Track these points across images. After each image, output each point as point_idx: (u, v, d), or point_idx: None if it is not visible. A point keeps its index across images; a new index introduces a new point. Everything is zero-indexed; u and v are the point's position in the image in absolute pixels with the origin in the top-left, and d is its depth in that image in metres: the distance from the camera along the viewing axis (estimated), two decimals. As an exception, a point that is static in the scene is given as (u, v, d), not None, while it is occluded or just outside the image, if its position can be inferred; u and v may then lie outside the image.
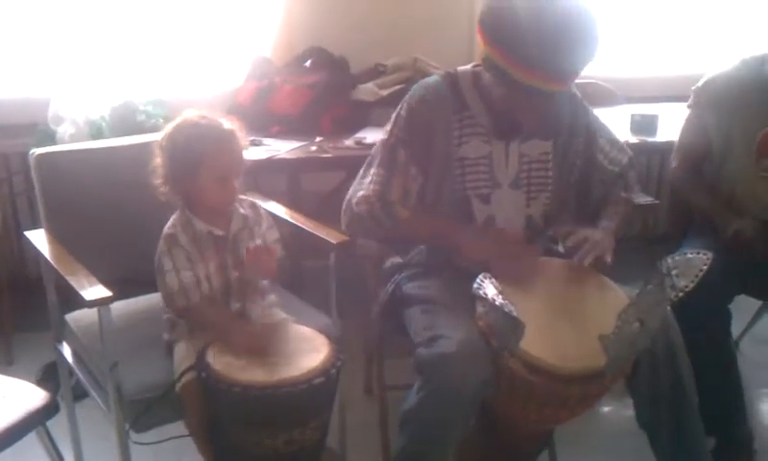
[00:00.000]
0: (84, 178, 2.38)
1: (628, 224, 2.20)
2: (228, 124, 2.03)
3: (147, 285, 2.15)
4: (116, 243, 2.34)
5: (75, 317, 2.28)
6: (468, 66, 2.17)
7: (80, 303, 1.90)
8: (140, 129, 3.04)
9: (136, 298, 2.37)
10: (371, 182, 2.17)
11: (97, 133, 3.07)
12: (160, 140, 2.04)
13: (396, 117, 2.17)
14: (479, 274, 1.86)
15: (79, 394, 2.47)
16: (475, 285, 1.83)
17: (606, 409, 2.80)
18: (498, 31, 1.91)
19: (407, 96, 2.17)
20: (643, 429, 2.06)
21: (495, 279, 1.86)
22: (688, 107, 2.63)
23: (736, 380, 2.42)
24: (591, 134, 2.23)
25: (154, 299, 2.28)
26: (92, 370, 2.15)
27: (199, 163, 1.96)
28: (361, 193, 2.17)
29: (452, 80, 2.15)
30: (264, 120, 3.20)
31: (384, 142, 2.18)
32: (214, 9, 3.63)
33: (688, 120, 2.65)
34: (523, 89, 1.90)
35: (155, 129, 3.07)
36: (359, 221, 2.18)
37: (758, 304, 3.06)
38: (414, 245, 2.25)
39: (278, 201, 2.56)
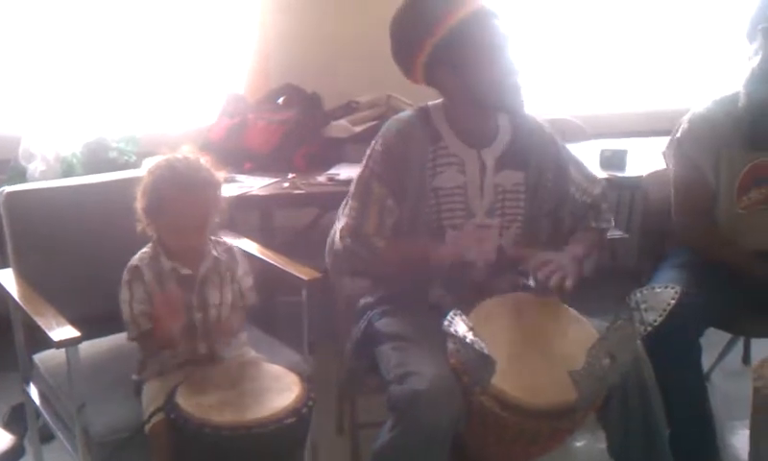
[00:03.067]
0: (55, 216, 2.37)
1: (598, 253, 2.21)
2: (205, 175, 2.00)
3: (118, 323, 2.12)
4: (87, 281, 2.32)
5: (43, 357, 2.26)
6: (439, 101, 2.22)
7: (48, 343, 1.88)
8: (112, 166, 3.03)
9: (106, 337, 2.34)
10: (345, 217, 2.19)
11: (68, 169, 3.06)
12: (144, 176, 2.04)
13: (372, 151, 2.19)
14: (450, 310, 1.87)
15: (46, 436, 2.43)
16: (446, 322, 1.83)
17: (578, 443, 2.80)
18: (407, 45, 2.11)
19: (382, 130, 2.21)
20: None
21: (467, 315, 1.87)
22: (671, 156, 2.62)
23: (707, 413, 2.43)
24: (562, 167, 2.27)
25: (123, 338, 2.24)
26: (60, 411, 2.12)
27: (160, 207, 1.97)
28: (339, 228, 2.20)
29: (425, 113, 2.20)
30: (237, 157, 3.20)
31: (359, 177, 2.20)
32: (187, 46, 3.64)
33: (682, 170, 2.58)
34: (454, 35, 2.03)
35: (127, 166, 3.08)
36: (341, 258, 2.20)
37: (728, 337, 3.08)
38: (393, 276, 2.25)
39: (251, 237, 2.56)
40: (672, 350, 2.21)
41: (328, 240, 2.41)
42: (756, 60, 2.43)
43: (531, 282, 2.19)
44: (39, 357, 2.26)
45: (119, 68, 3.55)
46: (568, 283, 2.01)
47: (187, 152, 2.04)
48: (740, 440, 2.73)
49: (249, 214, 3.16)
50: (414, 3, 2.11)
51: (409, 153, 2.13)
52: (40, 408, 2.23)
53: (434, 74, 2.12)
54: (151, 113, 3.61)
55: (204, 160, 2.04)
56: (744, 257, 2.49)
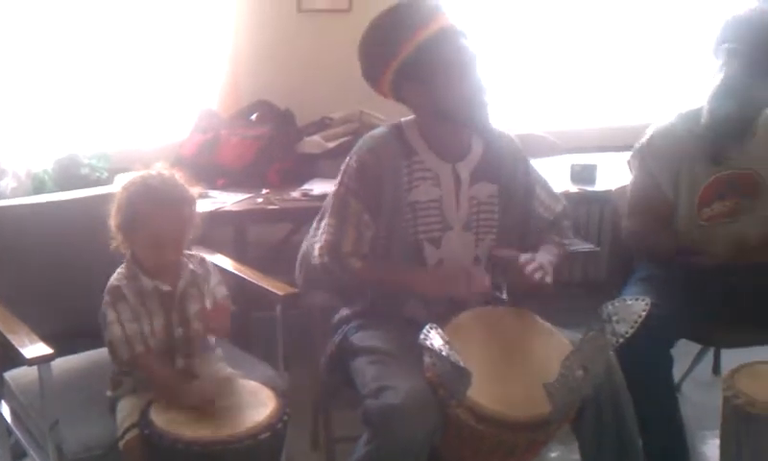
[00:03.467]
0: (26, 233, 2.36)
1: (560, 268, 2.24)
2: (180, 191, 2.00)
3: (92, 339, 2.13)
4: (59, 298, 2.31)
5: (14, 375, 2.23)
6: (412, 117, 2.25)
7: (20, 360, 1.87)
8: (84, 182, 3.02)
9: (79, 354, 2.32)
10: (323, 233, 2.20)
11: (40, 186, 3.03)
12: (117, 193, 2.03)
13: (346, 168, 2.21)
14: (426, 324, 1.88)
15: (18, 454, 2.40)
16: (422, 336, 1.85)
17: (552, 454, 2.82)
18: (375, 60, 2.16)
19: (356, 148, 2.23)
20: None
21: (443, 329, 1.88)
22: (633, 167, 2.66)
23: (679, 423, 2.47)
24: (530, 182, 2.31)
25: (97, 355, 2.25)
26: (32, 429, 2.10)
27: (136, 223, 1.96)
28: (317, 245, 2.20)
29: (398, 130, 2.23)
30: (209, 173, 3.19)
31: (335, 193, 2.22)
32: (159, 61, 3.63)
33: (639, 181, 2.63)
34: (422, 51, 2.07)
35: (99, 182, 3.06)
36: (316, 274, 2.22)
37: (698, 348, 3.12)
38: (367, 294, 2.26)
39: (224, 252, 2.55)
40: (644, 361, 2.23)
41: (299, 255, 2.42)
42: (720, 78, 2.49)
43: (504, 296, 2.23)
44: (10, 375, 2.24)
45: (90, 84, 3.53)
46: (548, 279, 2.05)
47: (161, 168, 2.04)
48: (711, 449, 2.77)
49: (222, 230, 3.15)
50: (381, 21, 2.15)
51: (383, 169, 2.15)
52: (12, 426, 2.21)
53: (401, 90, 2.16)
54: (122, 130, 3.59)
55: (179, 176, 2.03)
56: (705, 265, 2.51)
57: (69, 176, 3.11)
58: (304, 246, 2.40)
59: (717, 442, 2.31)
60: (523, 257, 2.11)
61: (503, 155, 2.26)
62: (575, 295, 3.56)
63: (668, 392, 2.47)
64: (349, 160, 2.21)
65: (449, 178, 2.19)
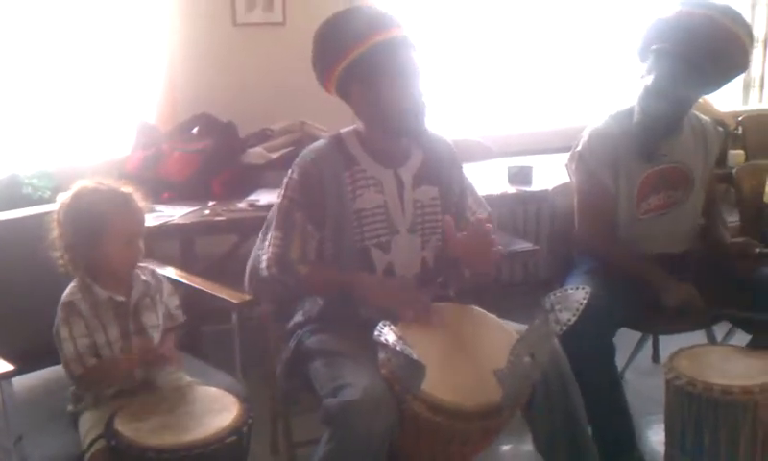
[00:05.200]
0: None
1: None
2: (124, 188, 2.08)
3: (46, 357, 2.12)
4: (11, 317, 2.30)
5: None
6: (351, 127, 2.32)
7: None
8: (27, 202, 3.00)
9: (37, 372, 2.30)
10: (269, 245, 2.25)
11: (-19, 207, 3.00)
12: (57, 212, 2.05)
13: (289, 181, 2.26)
14: (379, 322, 1.94)
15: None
16: (376, 333, 1.91)
17: (505, 447, 2.90)
18: (334, 47, 2.20)
19: (297, 160, 2.28)
20: (542, 457, 2.18)
21: (396, 325, 1.95)
22: (573, 169, 2.76)
23: (624, 408, 2.56)
24: (463, 191, 2.42)
25: (54, 372, 2.23)
26: (-7, 449, 2.09)
27: (103, 227, 1.99)
28: (264, 257, 2.24)
29: (338, 140, 2.29)
30: (154, 187, 3.18)
31: (279, 205, 2.27)
32: (96, 77, 3.62)
33: (584, 183, 2.72)
34: (380, 52, 2.14)
35: (42, 201, 3.04)
36: (266, 286, 2.26)
37: (638, 338, 3.24)
38: (317, 298, 2.31)
39: (172, 266, 2.57)
40: (587, 349, 2.33)
41: (248, 267, 2.46)
42: (650, 79, 2.60)
43: (451, 292, 2.31)
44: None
45: (29, 102, 3.51)
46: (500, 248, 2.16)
47: (93, 180, 2.08)
48: (656, 433, 2.85)
49: (168, 244, 3.17)
50: (340, 18, 2.22)
51: (325, 179, 2.21)
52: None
53: (346, 87, 2.22)
54: (63, 147, 3.58)
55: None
56: (641, 264, 2.64)
57: (11, 196, 3.09)
58: (252, 259, 2.44)
59: (661, 425, 2.43)
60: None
61: (442, 158, 2.35)
62: (517, 293, 3.67)
63: (612, 379, 2.56)
64: (291, 173, 2.27)
65: (392, 183, 2.27)
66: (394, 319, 2.01)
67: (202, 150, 3.35)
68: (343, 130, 2.33)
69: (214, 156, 3.35)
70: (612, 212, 2.70)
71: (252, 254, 2.47)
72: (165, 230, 2.91)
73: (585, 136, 2.74)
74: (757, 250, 2.67)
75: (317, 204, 2.21)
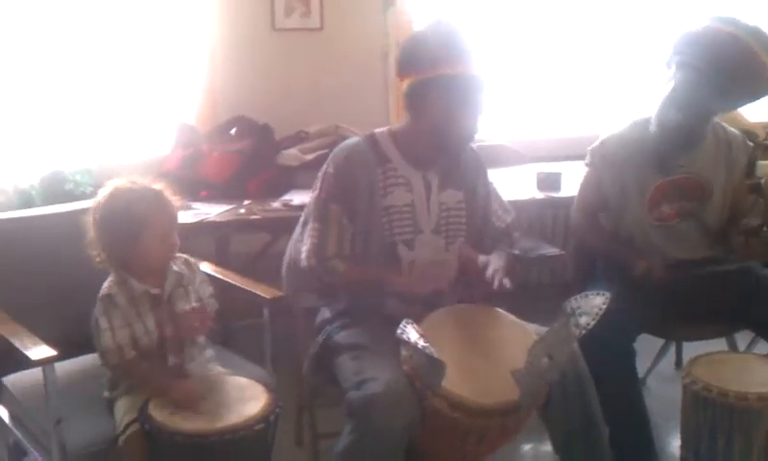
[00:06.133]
0: (15, 247, 2.46)
1: (512, 273, 2.37)
2: (156, 185, 2.17)
3: (85, 345, 2.22)
4: (54, 306, 2.41)
5: (12, 380, 2.34)
6: (385, 128, 2.41)
7: (15, 365, 1.95)
8: (69, 198, 3.11)
9: (74, 359, 2.40)
10: (309, 237, 2.34)
11: (27, 201, 3.14)
12: (93, 213, 2.14)
13: (325, 175, 2.35)
14: (403, 320, 2.02)
15: (17, 454, 2.48)
16: (399, 331, 1.99)
17: (526, 446, 2.96)
18: (417, 57, 2.24)
19: (332, 156, 2.37)
20: (559, 456, 2.24)
21: (418, 324, 2.02)
22: (586, 165, 2.85)
23: (643, 413, 2.58)
24: (488, 196, 2.51)
25: (89, 359, 2.35)
26: (32, 429, 2.20)
27: (141, 225, 2.08)
28: (304, 249, 2.34)
29: (372, 139, 2.38)
30: (192, 185, 3.31)
31: (316, 199, 2.36)
32: (139, 78, 3.74)
33: (586, 177, 2.85)
34: (454, 82, 2.20)
35: (83, 197, 3.14)
36: (303, 276, 2.35)
37: (661, 344, 3.28)
38: (348, 295, 2.39)
39: (208, 262, 2.66)
40: (608, 355, 2.38)
41: (286, 258, 2.55)
42: (669, 88, 2.64)
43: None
44: (8, 380, 2.34)
45: (74, 100, 3.62)
46: (506, 282, 2.21)
47: (126, 180, 2.17)
48: (675, 438, 2.85)
49: (203, 241, 3.26)
50: (444, 30, 2.26)
51: (358, 174, 2.30)
52: (11, 428, 2.31)
53: (420, 92, 2.26)
54: (105, 145, 3.70)
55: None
56: (614, 244, 2.77)
57: (55, 191, 3.21)
58: (289, 251, 2.52)
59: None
60: (481, 260, 2.29)
61: (469, 166, 2.44)
62: (544, 296, 3.71)
63: (632, 383, 2.58)
64: (327, 168, 2.36)
65: (420, 184, 2.35)
66: (417, 317, 2.08)
67: (239, 151, 3.46)
68: (377, 130, 2.41)
69: (251, 157, 3.46)
70: (601, 207, 2.81)
71: (290, 246, 2.55)
72: (202, 228, 3.02)
73: (601, 137, 2.82)
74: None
75: (351, 198, 2.30)
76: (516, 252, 2.53)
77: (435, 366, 1.93)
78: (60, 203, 2.88)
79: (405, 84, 2.29)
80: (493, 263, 2.28)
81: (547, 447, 2.29)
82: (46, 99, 3.58)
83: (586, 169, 2.86)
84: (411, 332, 1.97)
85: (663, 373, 3.41)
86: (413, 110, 2.31)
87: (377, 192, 2.31)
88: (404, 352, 2.05)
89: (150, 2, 3.68)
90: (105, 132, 3.72)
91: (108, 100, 3.71)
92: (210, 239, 3.36)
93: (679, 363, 3.47)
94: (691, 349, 2.97)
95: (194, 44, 3.73)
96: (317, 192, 2.36)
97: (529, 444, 2.96)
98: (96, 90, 3.68)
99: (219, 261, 3.16)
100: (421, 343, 1.94)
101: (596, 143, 2.82)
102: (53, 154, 3.48)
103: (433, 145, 2.31)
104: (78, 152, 3.55)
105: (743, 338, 3.12)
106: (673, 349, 3.45)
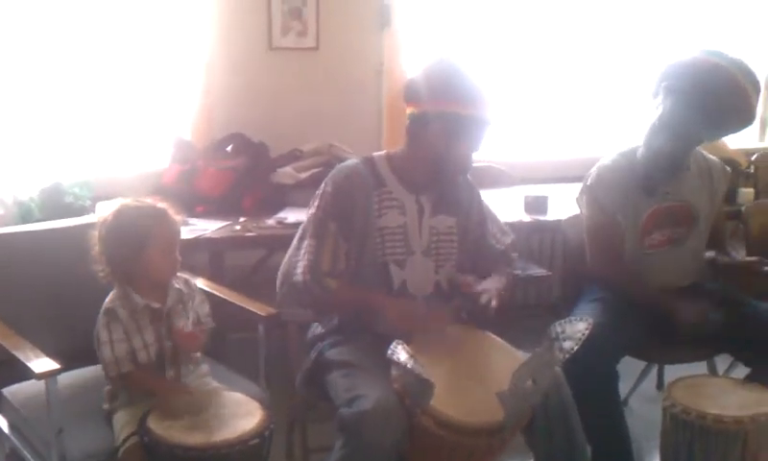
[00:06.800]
0: (17, 260, 2.52)
1: (509, 294, 2.46)
2: (161, 204, 2.25)
3: (86, 357, 2.29)
4: (55, 319, 2.47)
5: (12, 390, 2.39)
6: (382, 152, 2.50)
7: (16, 376, 2.01)
8: (68, 210, 3.18)
9: (73, 371, 2.45)
10: (305, 253, 2.41)
11: (27, 214, 3.18)
12: (99, 229, 2.22)
13: (323, 193, 2.43)
14: (394, 339, 2.09)
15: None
16: (389, 351, 2.05)
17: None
18: (430, 88, 2.31)
19: (330, 176, 2.46)
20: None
21: (408, 345, 2.10)
22: (583, 203, 2.87)
23: (625, 434, 2.65)
24: (483, 219, 2.59)
25: (89, 372, 2.41)
26: (32, 440, 2.26)
27: (146, 241, 2.16)
28: (300, 264, 2.41)
29: (370, 162, 2.47)
30: (188, 201, 3.35)
31: (313, 216, 2.44)
32: (136, 92, 3.80)
33: (592, 216, 2.83)
34: (462, 121, 2.28)
35: (83, 210, 3.22)
36: (297, 291, 2.41)
37: (643, 365, 3.34)
38: (338, 314, 2.47)
39: (201, 277, 2.73)
40: (591, 375, 2.45)
41: (280, 274, 2.61)
42: (656, 115, 2.73)
43: (463, 314, 2.46)
44: (8, 391, 2.40)
45: (72, 114, 3.68)
46: (494, 303, 2.29)
47: (132, 198, 2.25)
48: (655, 457, 2.90)
49: (198, 256, 3.31)
50: (458, 68, 2.32)
51: (356, 195, 2.39)
52: (11, 437, 2.37)
53: (424, 121, 2.33)
54: (103, 158, 3.75)
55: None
56: (651, 294, 2.76)
57: (54, 203, 3.26)
58: (284, 265, 2.59)
59: (661, 451, 2.53)
60: (478, 285, 2.37)
61: (462, 191, 2.53)
62: (530, 316, 3.80)
63: (614, 405, 2.65)
64: (325, 187, 2.44)
65: (413, 207, 2.44)
66: (407, 338, 2.15)
67: (234, 168, 3.53)
68: (375, 153, 2.50)
69: (246, 174, 3.53)
70: (621, 243, 2.81)
71: (285, 261, 2.61)
72: (199, 243, 3.09)
73: (594, 171, 2.86)
74: (766, 268, 2.79)
75: (347, 217, 2.38)
76: (514, 272, 2.60)
77: (424, 386, 2.00)
78: (59, 215, 2.94)
79: (410, 110, 2.37)
80: (486, 285, 2.36)
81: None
82: (46, 112, 3.64)
83: (586, 210, 2.86)
84: (401, 353, 2.04)
85: (645, 393, 3.49)
86: (413, 137, 2.40)
87: (372, 213, 2.39)
88: (394, 372, 2.12)
89: (149, 19, 3.75)
90: (103, 145, 3.77)
91: (106, 114, 3.77)
92: (204, 253, 3.42)
93: (660, 384, 3.55)
94: (672, 370, 3.06)
95: (192, 61, 3.79)
96: (314, 210, 2.44)
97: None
98: (95, 104, 3.74)
99: (213, 275, 3.23)
100: (411, 364, 2.01)
101: (590, 179, 2.85)
102: (52, 166, 3.53)
103: (429, 172, 2.40)
104: (77, 165, 3.61)
105: (723, 362, 3.21)
106: (655, 370, 3.53)
